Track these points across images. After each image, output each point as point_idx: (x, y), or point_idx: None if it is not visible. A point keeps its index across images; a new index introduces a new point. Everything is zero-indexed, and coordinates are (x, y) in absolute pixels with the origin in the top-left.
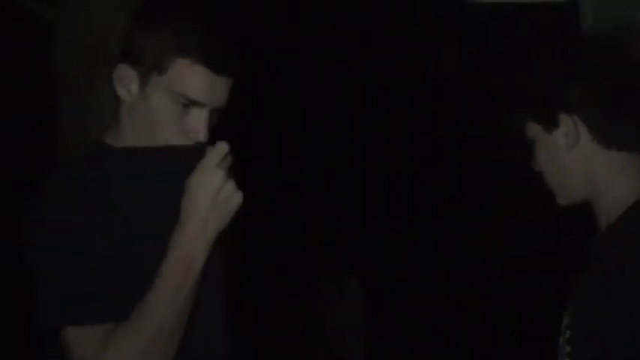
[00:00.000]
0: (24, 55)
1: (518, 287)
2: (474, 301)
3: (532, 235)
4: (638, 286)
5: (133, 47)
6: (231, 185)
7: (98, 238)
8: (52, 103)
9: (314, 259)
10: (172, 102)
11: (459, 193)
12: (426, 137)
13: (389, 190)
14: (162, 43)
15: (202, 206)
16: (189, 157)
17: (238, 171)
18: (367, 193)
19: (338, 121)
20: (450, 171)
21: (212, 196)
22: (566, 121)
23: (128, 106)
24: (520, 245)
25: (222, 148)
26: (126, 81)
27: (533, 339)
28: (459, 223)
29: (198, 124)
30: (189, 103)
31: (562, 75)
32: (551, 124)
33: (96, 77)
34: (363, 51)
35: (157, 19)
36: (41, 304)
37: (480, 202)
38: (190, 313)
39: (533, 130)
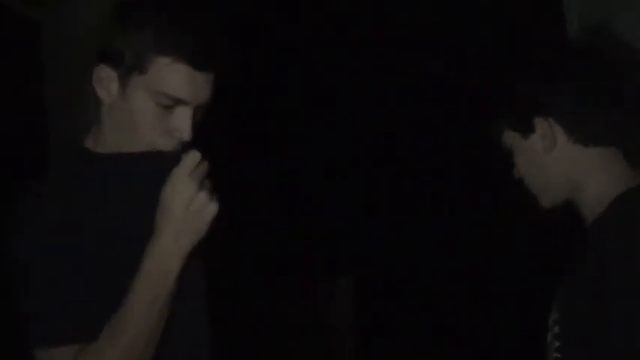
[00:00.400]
0: (13, 57)
1: (512, 285)
2: (469, 300)
3: (523, 233)
4: (624, 279)
5: (112, 48)
6: (204, 195)
7: (72, 253)
8: (42, 105)
9: (306, 258)
10: (154, 102)
11: (454, 192)
12: (418, 135)
13: (384, 188)
14: (141, 43)
15: (174, 217)
16: (167, 163)
17: (223, 177)
18: (362, 191)
19: (331, 119)
20: (445, 169)
21: (184, 206)
22: (541, 125)
23: (108, 108)
24: (511, 243)
25: (193, 156)
26: (105, 82)
27: (525, 335)
28: (454, 222)
29: (182, 122)
30: (172, 103)
31: (532, 80)
32: (527, 130)
33: (85, 78)
34: (359, 49)
35: (136, 18)
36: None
37: (473, 201)
38: (167, 325)
39: (510, 137)
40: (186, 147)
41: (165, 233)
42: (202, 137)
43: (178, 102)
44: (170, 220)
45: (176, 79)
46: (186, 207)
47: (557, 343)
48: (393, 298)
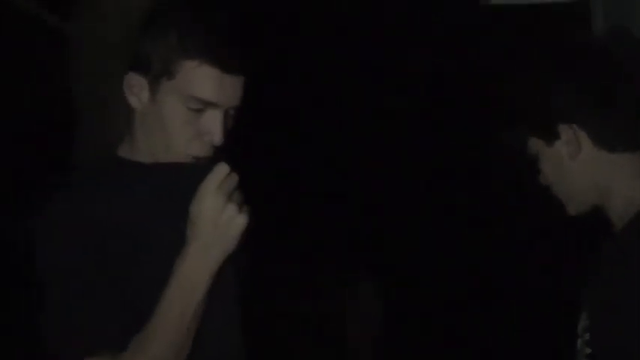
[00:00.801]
0: (42, 67)
1: (547, 290)
2: (489, 304)
3: (550, 238)
4: None
5: (140, 55)
6: (232, 208)
7: (100, 263)
8: (71, 115)
9: (331, 261)
10: (184, 106)
11: (483, 194)
12: (443, 141)
13: (409, 192)
14: (168, 48)
15: (203, 232)
16: (200, 175)
17: (249, 190)
18: (386, 195)
19: (358, 123)
20: (475, 172)
21: (212, 221)
22: (565, 131)
23: (140, 116)
24: (542, 249)
25: (221, 169)
26: (136, 89)
27: (551, 341)
28: (479, 226)
29: (212, 125)
30: (201, 106)
31: (555, 86)
32: (551, 137)
33: (116, 87)
34: (372, 51)
35: (162, 23)
36: (42, 327)
37: (497, 205)
38: (199, 335)
39: (535, 145)
40: (219, 154)
41: (193, 247)
42: (234, 144)
43: (208, 105)
44: (198, 234)
45: (204, 81)
46: (215, 221)
47: (588, 350)
48: (419, 302)
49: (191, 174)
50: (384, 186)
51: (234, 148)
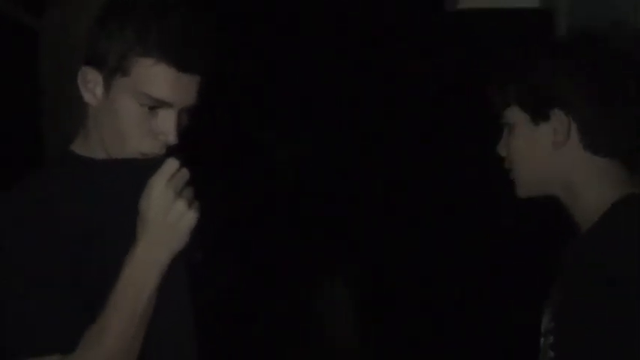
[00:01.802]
0: (11, 64)
1: (513, 289)
2: (470, 302)
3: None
4: (624, 289)
5: (96, 49)
6: (181, 205)
7: (48, 260)
8: (38, 111)
9: (307, 259)
10: (138, 104)
11: (456, 194)
12: (421, 141)
13: (385, 189)
14: (124, 44)
15: (151, 228)
16: (151, 171)
17: (203, 186)
18: (362, 193)
19: (334, 122)
20: (448, 171)
21: (161, 217)
22: (559, 118)
23: (94, 111)
24: (507, 246)
25: (171, 165)
26: (91, 85)
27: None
28: (455, 225)
29: (166, 125)
30: (155, 104)
31: (567, 69)
32: (540, 117)
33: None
34: (338, 56)
35: (118, 18)
36: None
37: (473, 204)
38: (150, 332)
39: (516, 116)
40: (172, 152)
41: (141, 244)
42: (194, 140)
43: (162, 104)
44: (147, 230)
45: (159, 80)
46: (164, 217)
47: (551, 353)
48: (395, 300)
49: (144, 169)
50: (363, 186)
51: (198, 146)
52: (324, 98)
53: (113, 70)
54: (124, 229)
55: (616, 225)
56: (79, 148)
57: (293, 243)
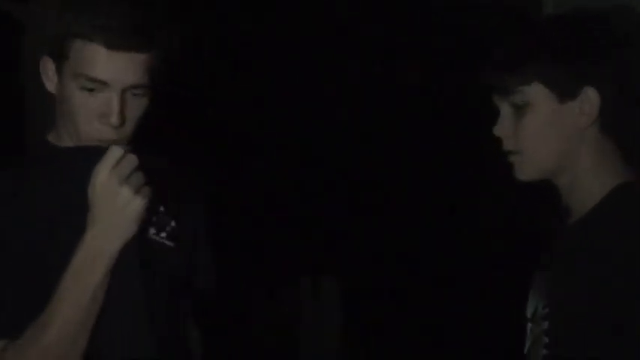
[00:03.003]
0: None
1: (499, 285)
2: (453, 300)
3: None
4: (625, 274)
5: (48, 39)
6: (127, 191)
7: (6, 246)
8: (22, 103)
9: (289, 258)
10: (79, 87)
11: (438, 192)
12: (403, 137)
13: (368, 188)
14: (62, 28)
15: (98, 217)
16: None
17: (152, 171)
18: (346, 191)
19: (315, 119)
20: (430, 168)
21: (106, 204)
22: (589, 97)
23: (56, 100)
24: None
25: (115, 152)
26: (50, 73)
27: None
28: (438, 223)
29: (107, 106)
30: (93, 85)
31: (600, 44)
32: (567, 94)
33: None
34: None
35: (60, 4)
36: None
37: (457, 201)
38: (97, 323)
39: (538, 93)
40: (130, 140)
41: (90, 233)
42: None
43: (100, 84)
44: (94, 219)
45: (91, 59)
46: (109, 204)
47: (545, 339)
48: (380, 300)
49: (97, 157)
50: (345, 186)
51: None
52: (308, 93)
53: (59, 56)
54: (82, 218)
55: (616, 211)
56: (52, 137)
57: (272, 239)
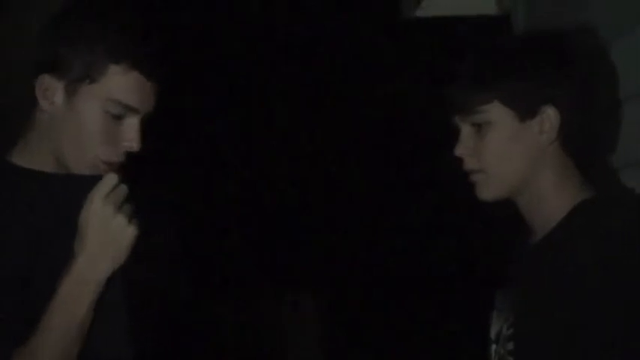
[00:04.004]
0: None
1: (463, 304)
2: (431, 312)
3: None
4: (590, 290)
5: (57, 57)
6: (121, 220)
7: None
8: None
9: (267, 273)
10: (105, 111)
11: (414, 204)
12: (379, 156)
13: (345, 201)
14: (92, 51)
15: (90, 244)
16: (89, 186)
17: (141, 201)
18: (322, 205)
19: (289, 136)
20: (405, 182)
21: (100, 232)
22: (549, 115)
23: (49, 120)
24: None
25: (110, 180)
26: (49, 93)
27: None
28: (415, 236)
29: (132, 132)
30: (123, 112)
31: (559, 64)
32: (528, 113)
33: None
34: (295, 67)
35: (83, 26)
36: None
37: (430, 214)
38: (84, 351)
39: (498, 112)
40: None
41: (80, 259)
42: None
43: (129, 110)
44: (85, 246)
45: (129, 86)
46: (103, 232)
47: (510, 359)
48: (358, 313)
49: (84, 185)
50: (323, 199)
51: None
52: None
53: (78, 77)
54: (64, 245)
55: (578, 229)
56: (17, 158)
57: (251, 253)
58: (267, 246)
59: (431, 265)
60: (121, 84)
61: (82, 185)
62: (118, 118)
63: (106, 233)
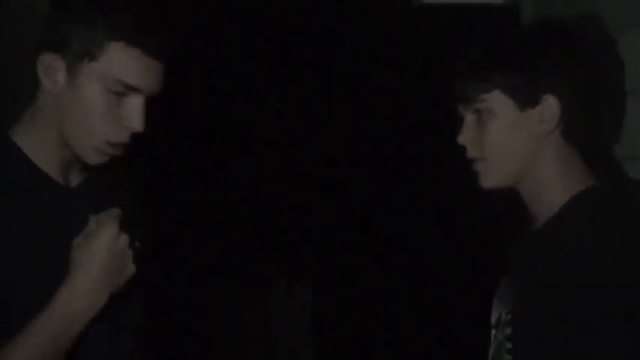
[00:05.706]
0: None
1: (464, 291)
2: (427, 302)
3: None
4: (589, 279)
5: (57, 33)
6: (130, 254)
7: None
8: None
9: (262, 261)
10: (106, 90)
11: (409, 198)
12: (376, 143)
13: (341, 189)
14: (92, 28)
15: (97, 258)
16: (86, 202)
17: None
18: (319, 193)
19: (285, 124)
20: (403, 169)
21: (112, 263)
22: (549, 104)
23: (53, 100)
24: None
25: (117, 212)
26: (52, 71)
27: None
28: (412, 224)
29: (134, 111)
30: (124, 90)
31: (561, 54)
32: (529, 102)
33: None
34: (302, 53)
35: (84, 3)
36: None
37: (427, 207)
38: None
39: (499, 101)
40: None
41: (84, 274)
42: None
43: (131, 90)
44: (87, 263)
45: (130, 64)
46: (113, 264)
47: (508, 345)
48: (352, 301)
49: (82, 201)
50: (316, 186)
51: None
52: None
53: (79, 55)
54: (61, 257)
55: (579, 217)
56: (20, 138)
57: (245, 241)
58: (262, 235)
59: (429, 254)
60: (122, 62)
61: (79, 200)
62: (121, 97)
63: (115, 265)
